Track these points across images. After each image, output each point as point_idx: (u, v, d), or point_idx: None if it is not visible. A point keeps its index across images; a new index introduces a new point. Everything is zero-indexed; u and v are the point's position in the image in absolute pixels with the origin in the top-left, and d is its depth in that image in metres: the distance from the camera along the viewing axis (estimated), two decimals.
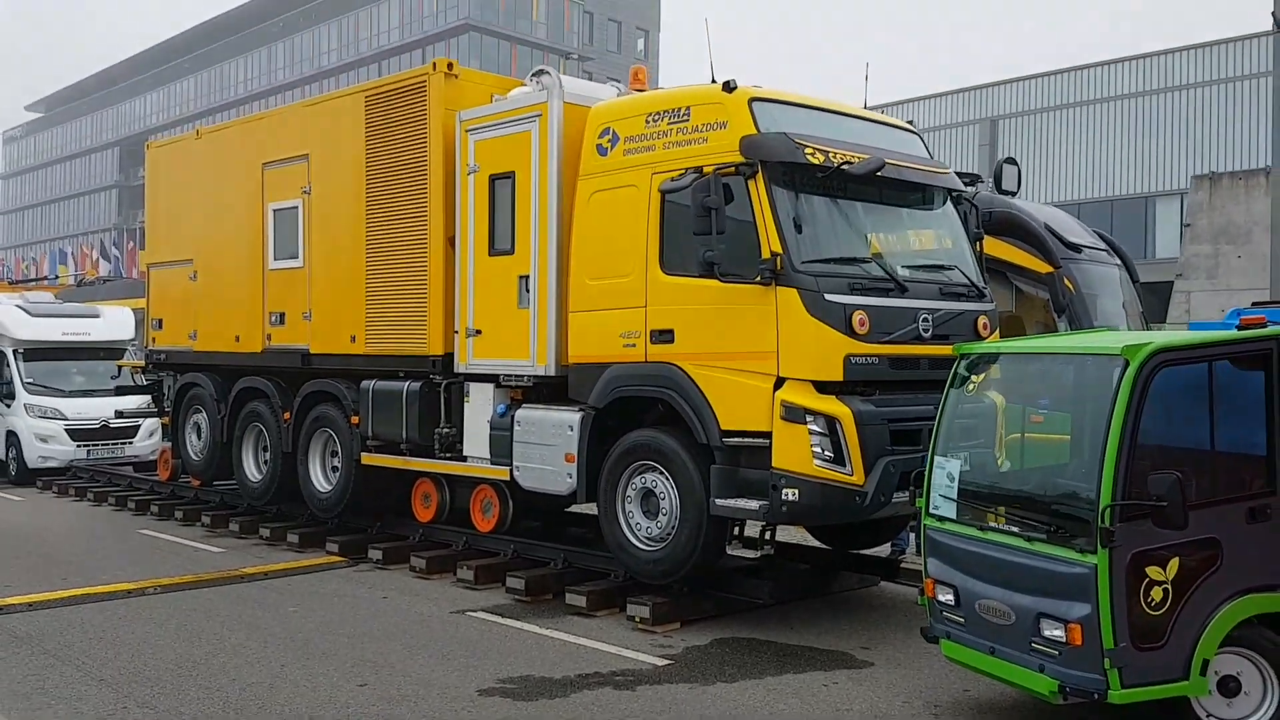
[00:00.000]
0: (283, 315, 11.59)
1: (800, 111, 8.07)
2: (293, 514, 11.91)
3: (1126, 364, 5.06)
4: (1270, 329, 5.41)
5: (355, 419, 10.60)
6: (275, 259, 11.71)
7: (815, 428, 7.25)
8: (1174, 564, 5.05)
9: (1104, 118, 39.25)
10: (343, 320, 10.82)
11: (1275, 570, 5.28)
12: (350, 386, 10.77)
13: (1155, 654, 5.03)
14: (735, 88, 7.79)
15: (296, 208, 11.43)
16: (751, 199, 7.53)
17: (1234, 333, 5.46)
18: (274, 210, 11.74)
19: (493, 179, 9.35)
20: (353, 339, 10.70)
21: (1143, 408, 5.04)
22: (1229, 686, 5.28)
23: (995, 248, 9.71)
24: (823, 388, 7.36)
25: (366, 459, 10.56)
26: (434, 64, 10.04)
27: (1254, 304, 6.28)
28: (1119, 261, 10.86)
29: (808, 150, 7.58)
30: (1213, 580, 5.13)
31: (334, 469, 11.19)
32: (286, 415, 11.50)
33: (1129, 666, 4.97)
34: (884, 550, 9.75)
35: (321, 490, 11.26)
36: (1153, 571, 5.02)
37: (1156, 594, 5.02)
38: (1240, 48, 36.14)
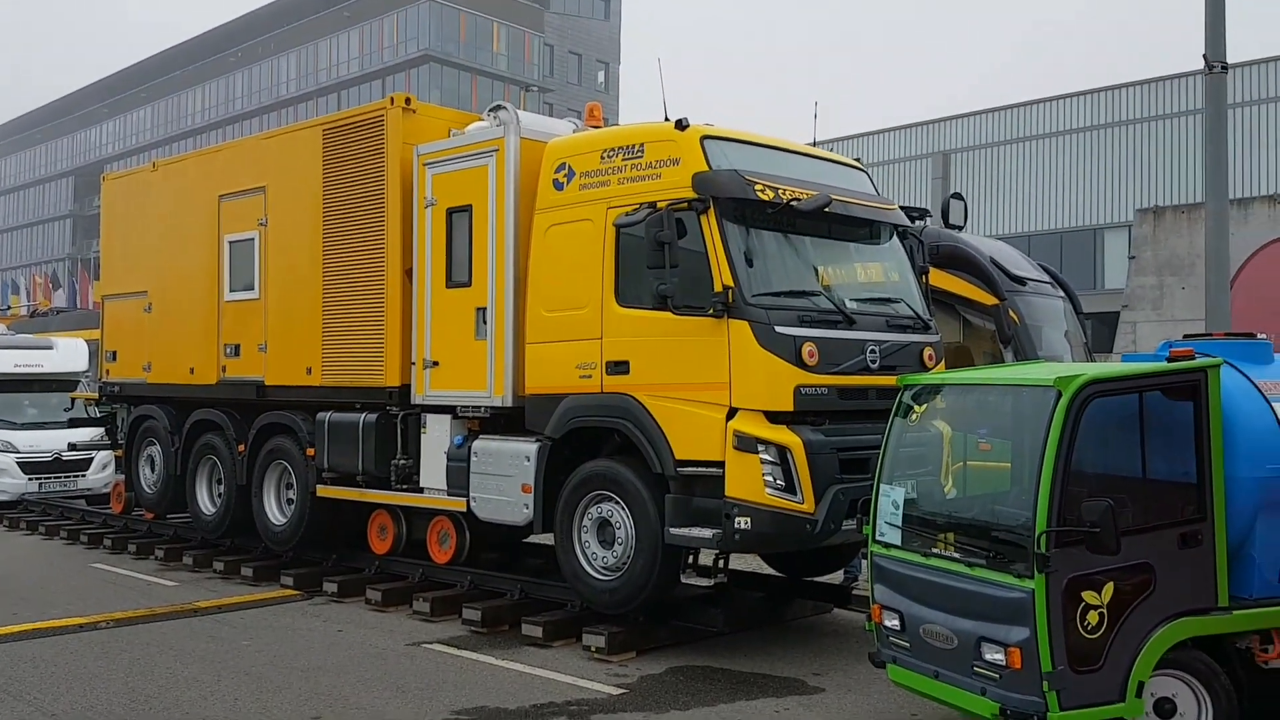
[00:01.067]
0: (238, 347, 11.58)
1: (751, 149, 8.26)
2: (247, 547, 11.84)
3: (1059, 395, 5.21)
4: (1198, 361, 5.60)
5: (311, 451, 10.59)
6: (231, 290, 11.72)
7: (767, 457, 7.39)
8: (1109, 588, 5.19)
9: (1054, 152, 40.19)
10: (299, 352, 10.83)
11: (1207, 594, 5.45)
12: (306, 418, 10.77)
13: (1092, 677, 5.15)
14: (687, 126, 7.97)
15: (253, 239, 11.46)
16: (704, 234, 7.70)
17: (1163, 364, 5.63)
18: (230, 242, 11.75)
19: (450, 212, 9.46)
20: (309, 370, 10.71)
21: (1075, 437, 5.18)
22: (1164, 708, 5.41)
23: (943, 280, 9.97)
24: (774, 418, 7.50)
25: (322, 491, 10.54)
26: (391, 98, 10.15)
27: (1185, 336, 6.47)
28: (1062, 294, 11.17)
29: (758, 187, 7.76)
30: (1147, 604, 5.27)
31: (289, 501, 11.14)
32: (241, 447, 11.45)
33: (1067, 689, 5.08)
34: (838, 577, 9.89)
35: (276, 523, 11.21)
36: (1088, 596, 5.15)
37: (1092, 618, 5.16)
38: (1184, 84, 37.21)
